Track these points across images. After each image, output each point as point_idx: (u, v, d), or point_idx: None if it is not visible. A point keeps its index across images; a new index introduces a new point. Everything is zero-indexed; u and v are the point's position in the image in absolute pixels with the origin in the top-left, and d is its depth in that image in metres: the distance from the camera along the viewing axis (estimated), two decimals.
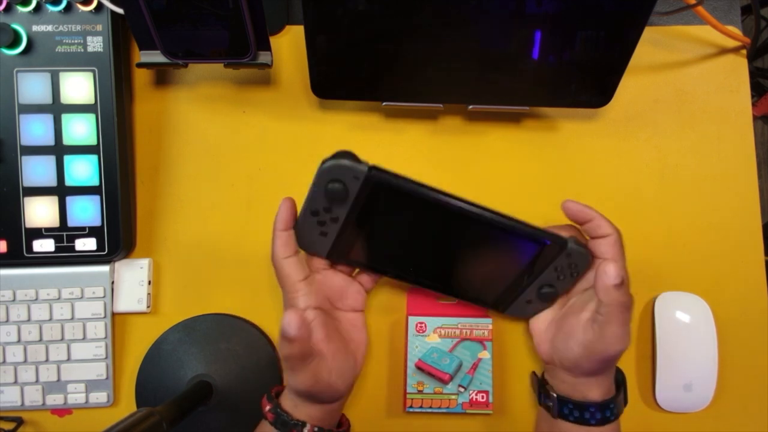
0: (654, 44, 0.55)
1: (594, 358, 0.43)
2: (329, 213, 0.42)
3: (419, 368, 0.50)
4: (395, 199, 0.41)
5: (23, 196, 0.49)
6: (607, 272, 0.41)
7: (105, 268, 0.51)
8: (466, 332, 0.51)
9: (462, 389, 0.50)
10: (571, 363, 0.44)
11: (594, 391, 0.44)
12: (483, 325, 0.51)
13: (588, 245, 0.45)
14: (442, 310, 0.52)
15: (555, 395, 0.46)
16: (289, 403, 0.45)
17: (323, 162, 0.39)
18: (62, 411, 0.52)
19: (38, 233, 0.49)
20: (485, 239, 0.43)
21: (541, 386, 0.48)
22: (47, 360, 0.51)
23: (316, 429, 0.43)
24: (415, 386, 0.50)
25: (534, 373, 0.51)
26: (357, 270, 0.49)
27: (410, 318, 0.51)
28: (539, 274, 0.45)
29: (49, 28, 0.48)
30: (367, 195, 0.40)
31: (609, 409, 0.44)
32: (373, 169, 0.39)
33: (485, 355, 0.50)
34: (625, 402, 0.47)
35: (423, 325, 0.51)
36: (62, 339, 0.51)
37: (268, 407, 0.44)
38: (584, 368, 0.44)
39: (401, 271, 0.47)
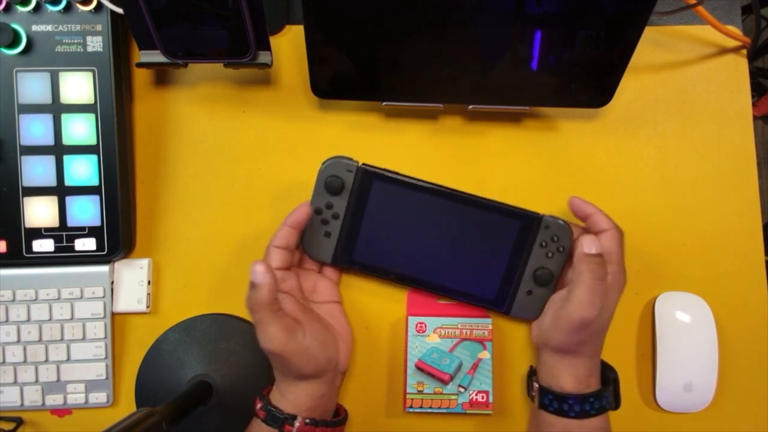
0: (654, 44, 0.55)
1: (560, 325, 0.44)
2: (331, 209, 0.48)
3: (419, 368, 0.50)
4: (385, 188, 0.47)
5: (23, 196, 0.49)
6: (583, 242, 0.44)
7: (105, 268, 0.51)
8: (466, 332, 0.51)
9: (462, 389, 0.50)
10: (543, 335, 0.46)
11: (566, 377, 0.45)
12: (483, 325, 0.51)
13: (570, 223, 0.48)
14: (442, 310, 0.52)
15: (537, 385, 0.47)
16: (278, 396, 0.45)
17: (322, 164, 0.47)
18: (62, 411, 0.52)
19: (38, 233, 0.49)
20: (468, 222, 0.48)
21: (529, 377, 0.49)
22: (47, 360, 0.51)
23: (307, 421, 0.44)
24: (415, 386, 0.50)
25: (531, 366, 0.51)
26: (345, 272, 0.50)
27: (410, 318, 0.51)
28: (528, 255, 0.48)
29: (49, 27, 0.48)
30: (360, 186, 0.47)
31: (588, 403, 0.44)
32: (365, 164, 0.47)
33: (485, 355, 0.50)
34: (617, 403, 0.46)
35: (423, 325, 0.51)
36: (62, 339, 0.51)
37: (259, 405, 0.45)
38: (554, 340, 0.45)
39: (402, 270, 0.49)
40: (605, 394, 0.45)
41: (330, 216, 0.48)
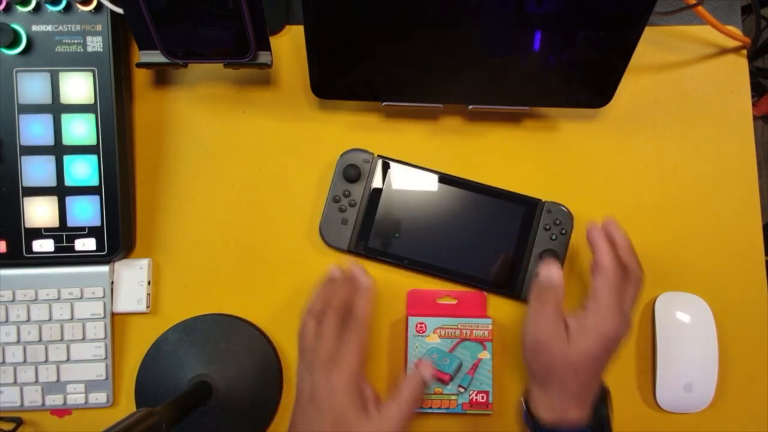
0: (654, 44, 0.55)
1: (522, 345, 0.45)
2: (348, 197, 0.51)
3: None
4: (399, 176, 0.52)
5: (23, 196, 0.49)
6: (540, 268, 0.46)
7: (104, 269, 0.51)
8: (466, 332, 0.51)
9: (462, 389, 0.50)
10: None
11: (541, 403, 0.44)
12: (483, 325, 0.51)
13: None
14: (442, 310, 0.52)
15: (523, 400, 0.47)
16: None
17: (339, 156, 0.52)
18: (62, 411, 0.52)
19: (38, 233, 0.49)
20: (478, 209, 0.52)
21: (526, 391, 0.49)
22: (47, 360, 0.51)
23: None
24: None
25: None
26: None
27: (410, 318, 0.51)
28: (533, 239, 0.51)
29: (49, 28, 0.48)
30: (376, 175, 0.51)
31: None
32: (380, 155, 0.52)
33: (485, 355, 0.50)
34: None
35: (423, 325, 0.51)
36: (62, 339, 0.51)
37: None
38: (524, 361, 0.46)
39: (415, 256, 0.52)
40: (584, 429, 0.43)
41: (347, 204, 0.51)
